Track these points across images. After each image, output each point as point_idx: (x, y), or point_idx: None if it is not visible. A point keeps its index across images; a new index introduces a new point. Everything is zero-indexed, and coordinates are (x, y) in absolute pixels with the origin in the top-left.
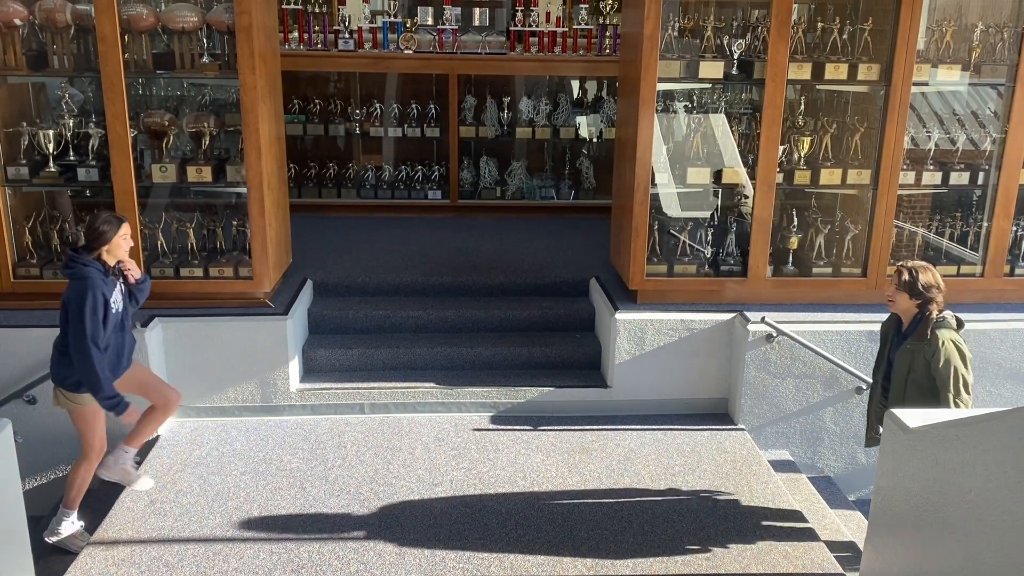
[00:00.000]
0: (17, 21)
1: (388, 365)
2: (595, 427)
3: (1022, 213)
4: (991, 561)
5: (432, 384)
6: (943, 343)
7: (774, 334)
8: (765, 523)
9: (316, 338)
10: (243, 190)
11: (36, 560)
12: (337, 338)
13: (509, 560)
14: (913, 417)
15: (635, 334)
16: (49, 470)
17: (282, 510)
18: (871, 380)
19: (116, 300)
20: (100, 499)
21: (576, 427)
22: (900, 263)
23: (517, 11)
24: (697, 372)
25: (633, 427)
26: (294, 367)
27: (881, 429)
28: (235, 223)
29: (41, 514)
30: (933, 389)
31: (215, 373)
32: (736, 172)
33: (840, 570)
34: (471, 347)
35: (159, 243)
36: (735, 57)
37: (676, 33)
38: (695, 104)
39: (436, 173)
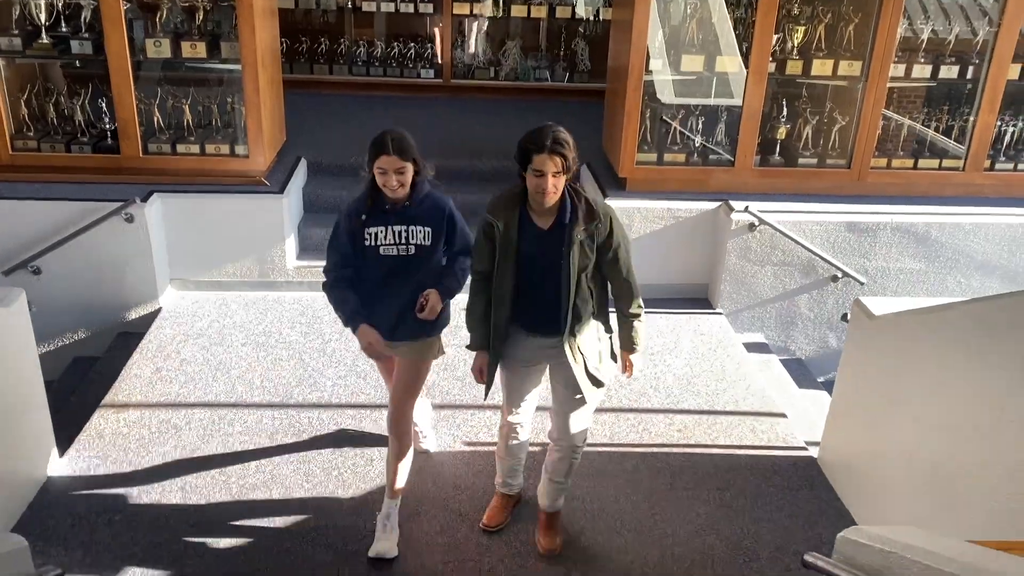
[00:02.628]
0: None
1: None
2: None
3: (1007, 109)
4: (938, 429)
5: None
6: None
7: (756, 223)
8: (736, 400)
9: (311, 216)
10: (237, 67)
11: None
12: (332, 217)
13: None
14: (879, 305)
15: (622, 221)
16: (56, 338)
17: (283, 379)
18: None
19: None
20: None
21: None
22: None
23: None
24: (680, 259)
25: None
26: (290, 244)
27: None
28: (229, 100)
29: (52, 379)
30: None
31: (214, 248)
32: (731, 60)
33: (803, 443)
34: None
35: (155, 119)
36: None
37: None
38: None
39: (429, 51)
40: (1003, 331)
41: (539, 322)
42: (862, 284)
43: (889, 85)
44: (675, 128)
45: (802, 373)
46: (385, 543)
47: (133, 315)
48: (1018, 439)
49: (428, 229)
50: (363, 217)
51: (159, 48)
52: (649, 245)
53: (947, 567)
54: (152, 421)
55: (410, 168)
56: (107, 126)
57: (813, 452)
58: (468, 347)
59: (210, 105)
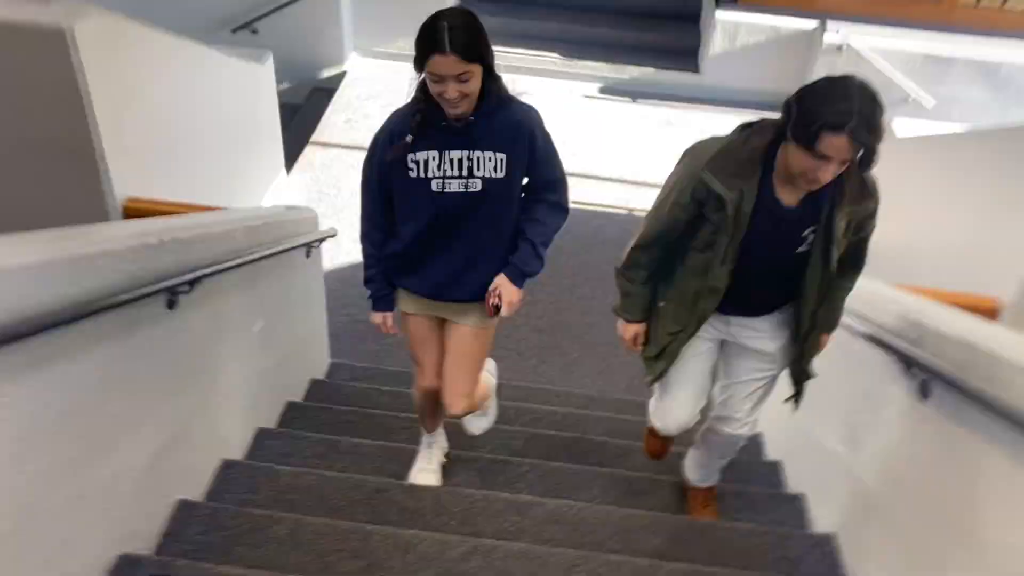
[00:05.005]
0: None
1: (524, 35)
2: (682, 105)
3: None
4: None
5: (556, 55)
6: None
7: (843, 46)
8: None
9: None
10: None
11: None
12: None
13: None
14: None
15: (729, 31)
16: None
17: None
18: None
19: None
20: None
21: (666, 104)
22: None
23: None
24: (774, 70)
25: (713, 108)
26: None
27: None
28: None
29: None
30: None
31: (393, 22)
32: None
33: None
34: (592, 26)
35: None
36: None
37: None
38: None
39: None
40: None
41: (741, 306)
42: (927, 108)
43: None
44: None
45: None
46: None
47: (325, 74)
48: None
49: (503, 156)
50: (408, 139)
51: None
52: (750, 55)
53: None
54: (344, 160)
55: (478, 72)
56: None
57: None
58: (617, 311)
59: None
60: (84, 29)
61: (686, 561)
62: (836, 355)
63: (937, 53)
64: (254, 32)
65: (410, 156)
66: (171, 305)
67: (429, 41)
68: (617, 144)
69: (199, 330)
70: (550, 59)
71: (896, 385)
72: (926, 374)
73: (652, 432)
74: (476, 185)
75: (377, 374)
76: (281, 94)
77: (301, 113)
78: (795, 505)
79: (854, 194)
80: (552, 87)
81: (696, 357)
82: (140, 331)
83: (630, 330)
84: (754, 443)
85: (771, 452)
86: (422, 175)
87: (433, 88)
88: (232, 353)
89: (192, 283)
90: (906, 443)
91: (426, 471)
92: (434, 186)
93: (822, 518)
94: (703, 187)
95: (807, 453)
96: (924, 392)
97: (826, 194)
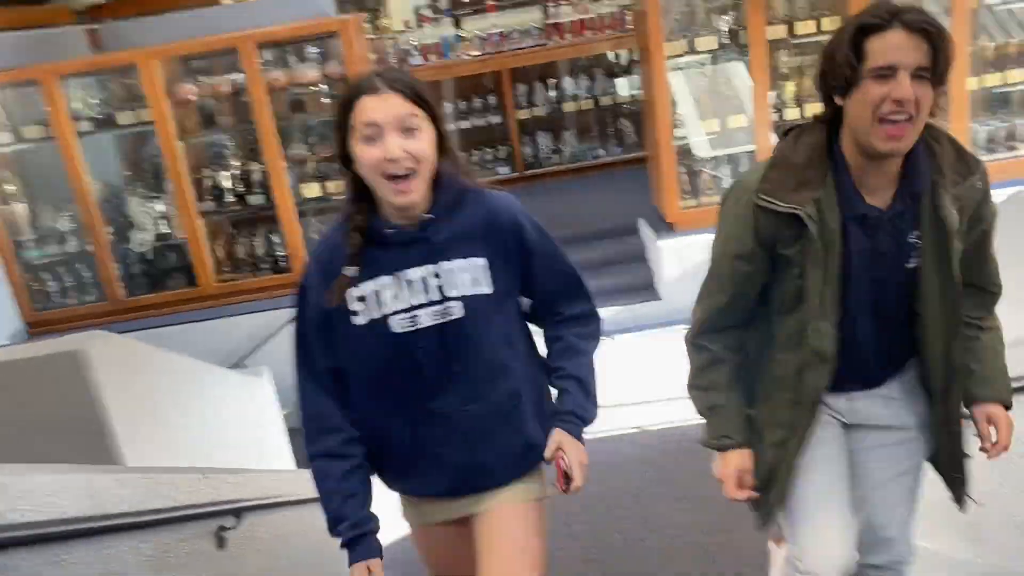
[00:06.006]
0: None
1: None
2: (653, 332)
3: None
4: None
5: None
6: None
7: None
8: None
9: None
10: None
11: None
12: None
13: None
14: None
15: (675, 255)
16: None
17: None
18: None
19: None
20: None
21: (640, 333)
22: None
23: (548, 7)
24: None
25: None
26: None
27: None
28: None
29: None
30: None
31: None
32: (740, 117)
33: None
34: None
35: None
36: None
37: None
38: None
39: (503, 152)
40: None
41: (860, 372)
42: None
43: None
44: (707, 175)
45: None
46: None
47: None
48: None
49: (481, 262)
50: (351, 271)
51: (311, 190)
52: (701, 272)
53: None
54: None
55: (427, 128)
56: (279, 254)
57: None
58: (707, 443)
59: None
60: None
61: None
62: None
63: None
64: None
65: (352, 293)
66: None
67: (354, 88)
68: (611, 377)
69: None
70: None
71: None
72: None
73: None
74: (454, 311)
75: None
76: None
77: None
78: None
79: (952, 166)
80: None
81: (824, 454)
82: None
83: (731, 461)
84: None
85: None
86: (374, 315)
87: (366, 156)
88: None
89: None
90: None
91: None
92: (396, 326)
93: None
94: (766, 217)
95: None
96: None
97: (921, 181)
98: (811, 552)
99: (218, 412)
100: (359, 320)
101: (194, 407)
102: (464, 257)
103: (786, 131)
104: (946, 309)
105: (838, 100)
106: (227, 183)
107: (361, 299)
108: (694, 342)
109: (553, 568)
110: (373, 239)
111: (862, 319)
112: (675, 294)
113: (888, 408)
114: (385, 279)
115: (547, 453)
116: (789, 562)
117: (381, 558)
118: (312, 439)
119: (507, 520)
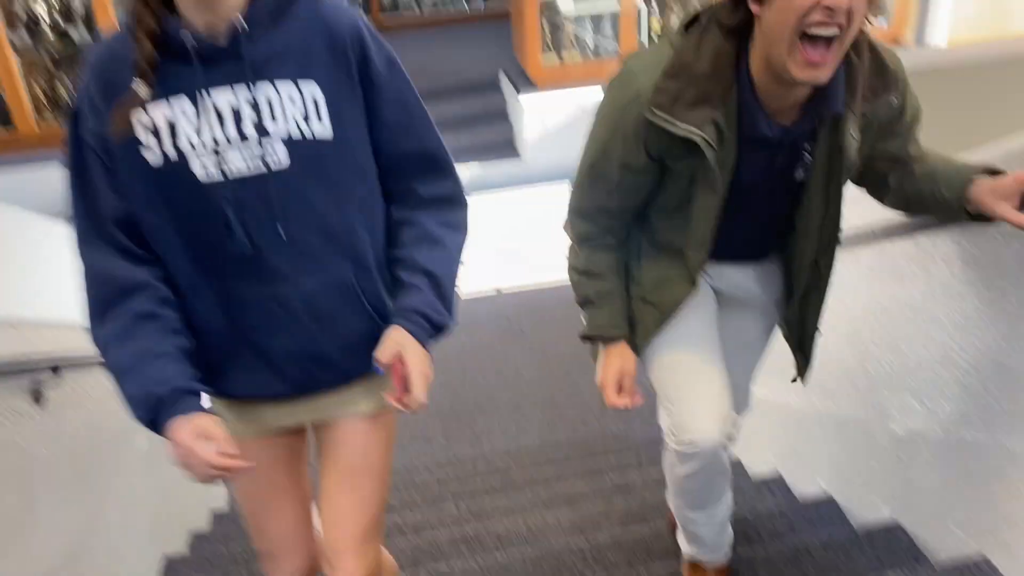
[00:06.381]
0: None
1: None
2: (512, 190)
3: None
4: None
5: None
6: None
7: None
8: None
9: None
10: None
11: None
12: None
13: None
14: None
15: (537, 113)
16: None
17: None
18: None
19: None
20: None
21: (499, 191)
22: None
23: None
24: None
25: (541, 185)
26: None
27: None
28: None
29: None
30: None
31: None
32: None
33: None
34: None
35: None
36: None
37: None
38: None
39: None
40: None
41: (729, 257)
42: None
43: None
44: (570, 31)
45: None
46: None
47: None
48: None
49: (314, 87)
50: (141, 88)
51: None
52: (564, 134)
53: None
54: None
55: None
56: None
57: None
58: (585, 336)
59: None
60: None
61: None
62: None
63: None
64: None
65: (141, 120)
66: None
67: None
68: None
69: None
70: None
71: None
72: None
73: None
74: (277, 155)
75: None
76: None
77: None
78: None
79: (868, 82)
80: None
81: (696, 312)
82: None
83: (613, 362)
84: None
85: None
86: (171, 154)
87: None
88: None
89: None
90: None
91: None
92: (199, 172)
93: None
94: (658, 133)
95: None
96: None
97: (834, 103)
98: (687, 418)
99: (37, 264)
100: (152, 158)
101: (9, 257)
102: (290, 78)
103: (687, 23)
104: (824, 224)
105: (753, 6)
106: (43, 11)
107: (154, 132)
108: (579, 230)
109: (403, 425)
110: (169, 49)
111: (740, 220)
112: (535, 152)
113: (751, 281)
114: (183, 103)
115: (381, 354)
116: (668, 435)
117: (212, 413)
118: (101, 312)
119: (351, 434)
